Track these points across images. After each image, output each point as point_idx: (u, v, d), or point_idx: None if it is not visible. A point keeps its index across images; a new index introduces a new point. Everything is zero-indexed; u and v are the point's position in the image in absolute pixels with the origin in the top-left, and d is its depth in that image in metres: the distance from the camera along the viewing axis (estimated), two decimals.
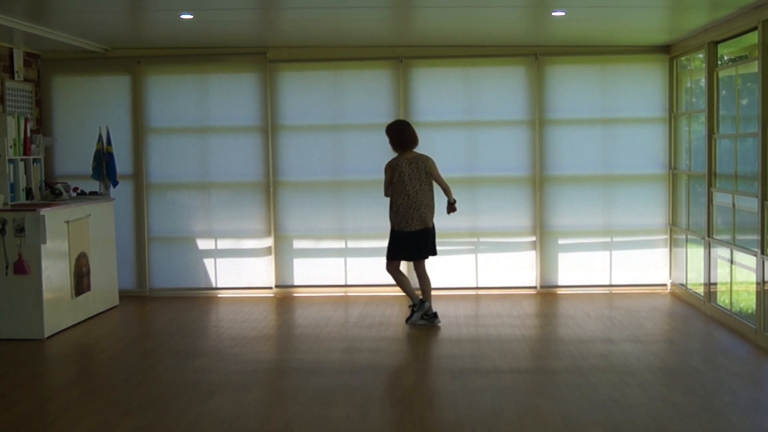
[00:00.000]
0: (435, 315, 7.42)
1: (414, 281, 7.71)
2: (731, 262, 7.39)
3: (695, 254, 8.27)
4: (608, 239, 8.94)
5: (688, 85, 8.60)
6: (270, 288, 8.98)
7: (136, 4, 6.80)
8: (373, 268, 8.89)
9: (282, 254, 9.00)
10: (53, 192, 7.95)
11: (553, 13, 7.08)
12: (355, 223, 8.89)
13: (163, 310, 8.37)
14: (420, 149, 7.30)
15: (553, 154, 8.87)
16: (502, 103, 8.86)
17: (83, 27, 7.64)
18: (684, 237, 8.55)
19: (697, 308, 7.98)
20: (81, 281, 7.68)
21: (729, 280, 7.47)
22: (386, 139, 7.34)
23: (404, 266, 7.95)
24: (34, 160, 7.97)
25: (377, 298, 8.65)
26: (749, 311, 7.02)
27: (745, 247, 7.08)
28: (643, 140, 8.89)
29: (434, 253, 7.54)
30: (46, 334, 7.06)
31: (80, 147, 8.84)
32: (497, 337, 6.97)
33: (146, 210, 9.01)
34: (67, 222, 7.47)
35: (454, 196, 7.45)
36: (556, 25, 7.65)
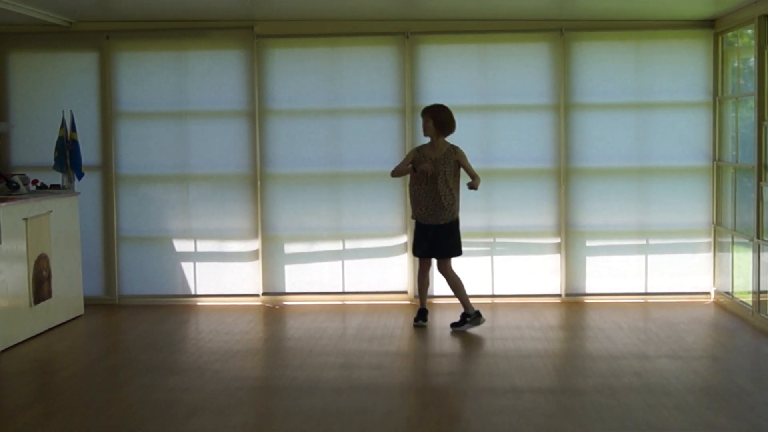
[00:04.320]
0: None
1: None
2: None
3: (742, 258, 8.25)
4: (644, 241, 8.92)
5: (736, 64, 8.58)
6: (257, 295, 8.97)
7: None
8: (373, 272, 8.88)
9: (271, 257, 8.99)
10: (9, 185, 7.94)
11: None
12: (354, 222, 8.86)
13: (134, 320, 8.36)
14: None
15: (580, 143, 8.85)
16: (522, 84, 8.84)
17: None
18: (730, 239, 8.53)
19: (745, 320, 7.96)
20: (41, 287, 7.67)
21: None
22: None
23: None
24: None
25: (379, 307, 8.64)
26: None
27: None
28: (683, 128, 8.87)
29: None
30: (0, 348, 7.04)
31: (40, 134, 8.83)
32: (516, 352, 6.96)
33: (116, 206, 9.00)
34: (26, 219, 7.46)
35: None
36: None
